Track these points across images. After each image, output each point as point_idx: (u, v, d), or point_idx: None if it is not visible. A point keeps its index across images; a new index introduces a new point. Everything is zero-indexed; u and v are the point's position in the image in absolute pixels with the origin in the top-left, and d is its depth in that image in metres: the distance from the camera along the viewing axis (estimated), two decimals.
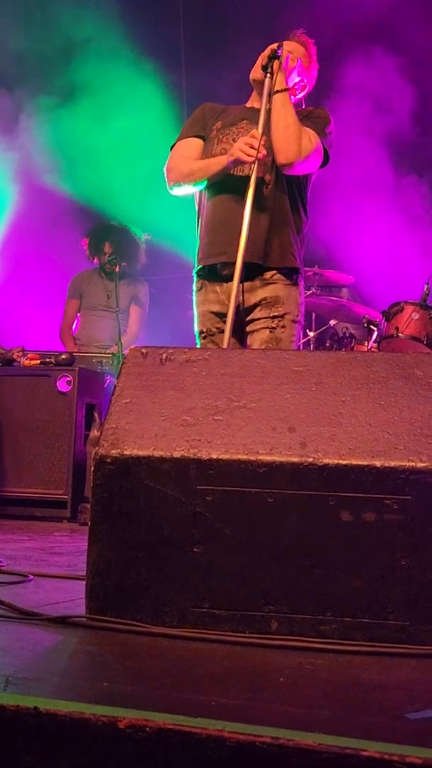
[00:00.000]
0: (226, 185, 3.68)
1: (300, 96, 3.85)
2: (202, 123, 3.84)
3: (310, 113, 3.72)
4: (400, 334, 5.10)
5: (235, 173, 3.66)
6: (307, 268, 5.47)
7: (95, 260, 6.40)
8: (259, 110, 3.67)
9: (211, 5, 7.00)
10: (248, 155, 3.50)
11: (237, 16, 6.71)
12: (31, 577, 2.41)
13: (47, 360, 5.26)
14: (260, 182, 3.60)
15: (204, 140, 3.81)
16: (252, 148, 3.50)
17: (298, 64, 3.76)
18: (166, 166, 3.84)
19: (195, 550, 1.79)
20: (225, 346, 3.39)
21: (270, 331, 3.62)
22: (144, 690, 1.38)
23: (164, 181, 3.84)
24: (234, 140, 3.68)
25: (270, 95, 3.59)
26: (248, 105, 3.88)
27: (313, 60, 3.85)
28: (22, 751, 1.21)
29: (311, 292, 6.02)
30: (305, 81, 3.82)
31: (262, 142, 3.52)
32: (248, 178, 3.55)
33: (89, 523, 1.87)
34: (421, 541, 1.73)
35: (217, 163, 3.66)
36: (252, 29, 6.03)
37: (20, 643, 1.68)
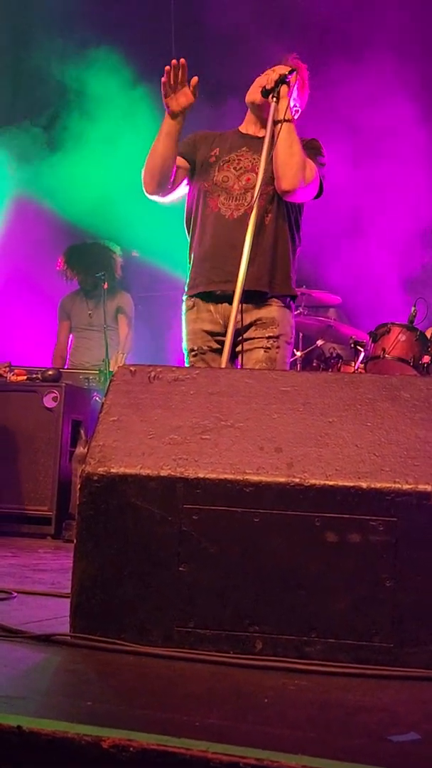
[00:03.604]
0: (223, 209, 3.68)
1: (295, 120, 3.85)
2: (190, 146, 3.82)
3: (305, 143, 3.73)
4: (386, 356, 5.12)
5: (231, 195, 3.67)
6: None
7: (75, 281, 6.41)
8: (256, 137, 3.70)
9: (204, 26, 7.05)
10: (165, 81, 3.50)
11: (231, 38, 6.76)
12: (15, 594, 2.40)
13: (34, 376, 5.26)
14: (262, 211, 3.61)
15: (186, 159, 3.78)
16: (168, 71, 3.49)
17: (295, 89, 3.75)
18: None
19: (180, 569, 1.79)
20: (223, 365, 3.40)
21: (265, 351, 3.63)
22: (128, 709, 1.38)
23: (152, 199, 3.82)
24: (235, 168, 3.69)
25: (275, 122, 3.58)
26: (243, 130, 3.86)
27: (306, 85, 3.86)
28: None
29: (299, 311, 6.04)
30: (298, 106, 3.82)
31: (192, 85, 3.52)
32: (246, 200, 3.57)
33: (75, 541, 1.86)
34: (406, 563, 1.74)
35: (163, 124, 3.62)
36: (246, 52, 6.08)
37: (3, 660, 1.67)
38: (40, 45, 7.24)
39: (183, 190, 3.85)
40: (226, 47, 6.50)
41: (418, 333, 5.19)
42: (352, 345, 5.66)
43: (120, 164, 6.77)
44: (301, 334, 6.32)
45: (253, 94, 3.71)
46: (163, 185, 3.74)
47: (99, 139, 6.93)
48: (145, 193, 3.79)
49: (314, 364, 6.06)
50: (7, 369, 5.28)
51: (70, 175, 6.85)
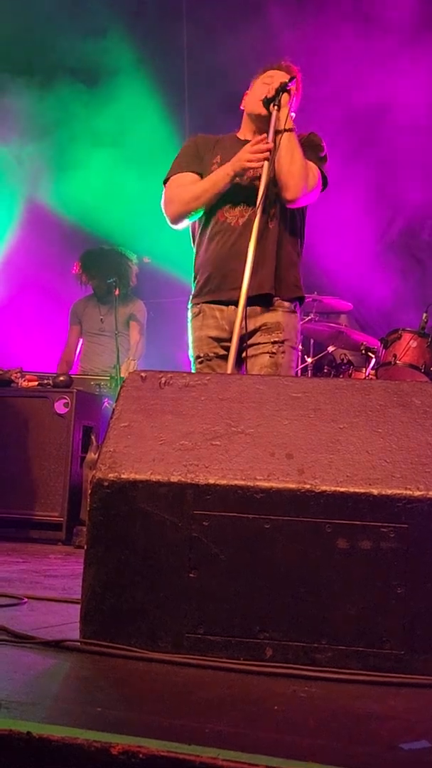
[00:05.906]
0: (228, 217, 3.69)
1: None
2: (197, 158, 3.82)
3: (304, 140, 3.73)
4: (397, 362, 5.12)
5: (235, 203, 3.67)
6: (306, 294, 5.49)
7: (89, 286, 6.43)
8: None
9: (214, 29, 7.07)
10: (257, 160, 3.54)
11: (240, 44, 6.77)
12: (25, 599, 2.40)
13: (45, 382, 5.27)
14: (266, 216, 3.62)
15: (201, 176, 3.79)
16: (259, 152, 3.53)
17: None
18: (163, 200, 3.80)
19: (191, 575, 1.79)
20: (229, 371, 3.40)
21: (270, 356, 3.63)
22: (137, 716, 1.37)
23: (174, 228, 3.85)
24: (237, 176, 3.70)
25: (276, 131, 3.58)
26: (241, 137, 3.85)
27: (299, 89, 3.85)
28: None
29: (310, 318, 6.04)
30: (293, 112, 3.82)
31: (268, 147, 3.54)
32: (251, 206, 3.58)
33: (85, 546, 1.86)
34: (418, 570, 1.73)
35: (223, 175, 3.65)
36: (255, 55, 6.08)
37: (13, 666, 1.67)
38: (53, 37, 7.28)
39: None
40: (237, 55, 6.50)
41: (430, 339, 5.19)
42: (363, 351, 5.66)
43: (130, 167, 6.79)
44: (312, 341, 6.32)
45: (256, 107, 3.70)
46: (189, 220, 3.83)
47: (110, 142, 6.96)
48: (170, 224, 3.85)
49: (325, 371, 6.05)
50: (19, 375, 5.29)
51: (82, 179, 6.87)
